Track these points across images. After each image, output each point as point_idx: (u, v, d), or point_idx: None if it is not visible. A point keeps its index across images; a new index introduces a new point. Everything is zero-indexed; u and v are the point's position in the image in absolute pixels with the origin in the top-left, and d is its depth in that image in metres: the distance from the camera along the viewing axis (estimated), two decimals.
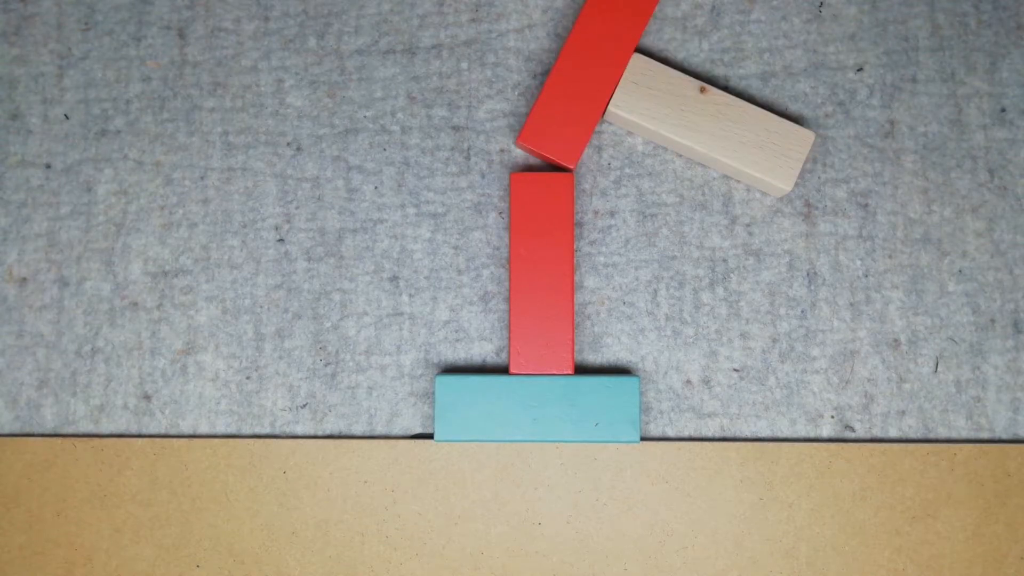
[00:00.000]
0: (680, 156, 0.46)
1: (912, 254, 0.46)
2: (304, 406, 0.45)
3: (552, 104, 0.44)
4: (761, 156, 0.44)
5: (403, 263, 0.46)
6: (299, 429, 0.45)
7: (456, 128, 0.46)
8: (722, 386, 0.45)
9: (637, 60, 0.44)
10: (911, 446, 0.44)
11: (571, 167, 0.44)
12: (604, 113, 0.45)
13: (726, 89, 0.46)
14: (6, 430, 0.45)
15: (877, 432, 0.45)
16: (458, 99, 0.46)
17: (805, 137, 0.44)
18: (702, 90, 0.44)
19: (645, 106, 0.44)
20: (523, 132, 0.44)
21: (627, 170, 0.46)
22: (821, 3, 0.47)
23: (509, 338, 0.43)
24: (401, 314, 0.45)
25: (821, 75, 0.46)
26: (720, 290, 0.45)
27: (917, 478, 0.44)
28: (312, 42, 0.47)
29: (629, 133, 0.46)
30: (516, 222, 0.44)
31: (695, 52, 0.46)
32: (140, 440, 0.45)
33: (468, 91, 0.46)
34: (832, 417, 0.45)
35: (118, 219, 0.46)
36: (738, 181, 0.46)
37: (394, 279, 0.46)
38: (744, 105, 0.44)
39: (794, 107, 0.46)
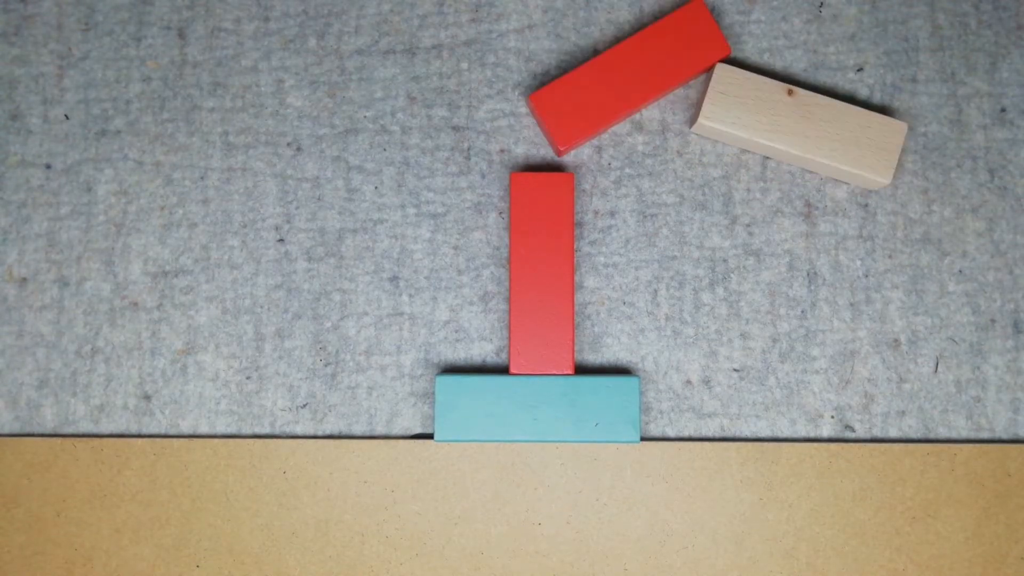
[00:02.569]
0: (680, 155, 0.46)
1: (912, 254, 0.46)
2: (304, 406, 0.45)
3: (581, 84, 0.44)
4: (857, 152, 0.44)
5: (403, 263, 0.46)
6: (299, 429, 0.45)
7: (456, 128, 0.46)
8: (722, 386, 0.45)
9: (722, 70, 0.44)
10: (911, 446, 0.44)
11: (561, 149, 0.44)
12: (616, 121, 0.45)
13: (808, 87, 0.46)
14: (6, 430, 0.45)
15: (877, 432, 0.45)
16: (458, 99, 0.46)
17: (898, 128, 0.44)
18: (790, 92, 0.44)
19: (735, 115, 0.44)
20: (539, 92, 0.44)
21: (627, 170, 0.46)
22: (821, 3, 0.47)
23: (509, 338, 0.43)
24: (401, 314, 0.45)
25: (821, 75, 0.46)
26: (720, 290, 0.45)
27: (917, 478, 0.44)
28: (312, 42, 0.47)
29: (629, 133, 0.46)
30: (516, 222, 0.44)
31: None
32: (140, 440, 0.45)
33: (468, 91, 0.46)
34: (832, 417, 0.45)
35: (118, 219, 0.46)
36: (839, 181, 0.45)
37: (394, 279, 0.46)
38: (832, 103, 0.44)
39: None
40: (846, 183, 0.46)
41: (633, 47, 0.44)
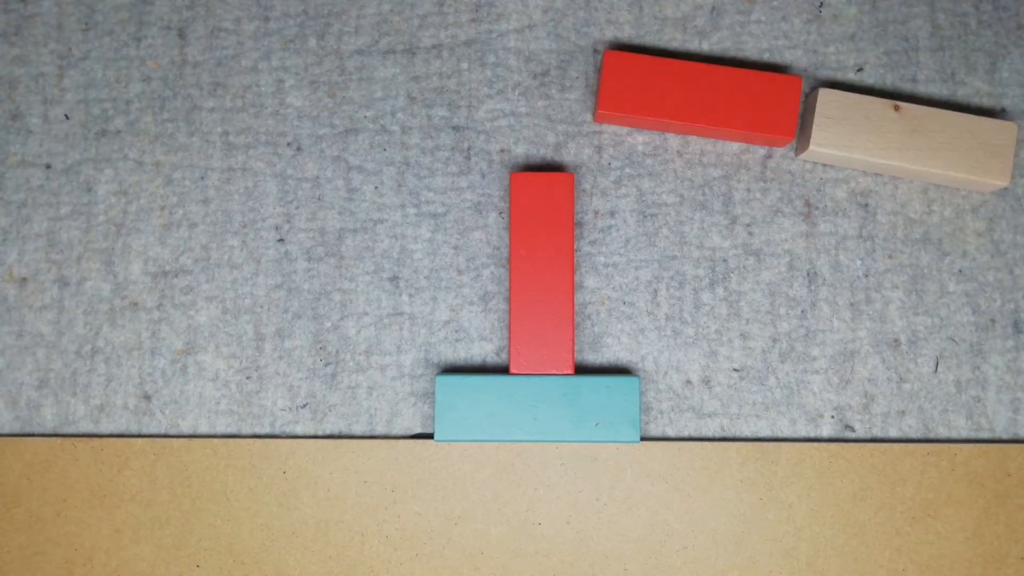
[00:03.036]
0: (680, 155, 0.46)
1: (912, 254, 0.46)
2: (304, 406, 0.45)
3: (656, 71, 0.43)
4: (972, 158, 0.43)
5: (403, 263, 0.46)
6: (299, 429, 0.45)
7: (456, 128, 0.46)
8: (722, 386, 0.45)
9: (825, 95, 0.44)
10: (911, 446, 0.44)
11: (600, 113, 0.44)
12: (659, 123, 0.45)
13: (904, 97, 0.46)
14: (6, 430, 0.45)
15: (877, 432, 0.45)
16: (458, 99, 0.46)
17: (1008, 129, 0.44)
18: (896, 108, 0.43)
19: (846, 138, 0.44)
20: (616, 52, 0.43)
21: (627, 170, 0.46)
22: (821, 3, 0.47)
23: (509, 338, 0.43)
24: (401, 314, 0.45)
25: (821, 75, 0.46)
26: (720, 290, 0.45)
27: (917, 478, 0.44)
28: (312, 42, 0.47)
29: (629, 133, 0.46)
30: (516, 222, 0.44)
31: (695, 52, 0.46)
32: (140, 440, 0.45)
33: (468, 91, 0.46)
34: (832, 417, 0.45)
35: (118, 219, 0.46)
36: (956, 189, 0.45)
37: (394, 279, 0.46)
38: (939, 112, 0.44)
39: None
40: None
41: (716, 75, 0.44)
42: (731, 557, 0.44)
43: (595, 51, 0.47)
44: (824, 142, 0.44)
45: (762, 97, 0.44)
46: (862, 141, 0.44)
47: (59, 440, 0.45)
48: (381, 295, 0.46)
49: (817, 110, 0.44)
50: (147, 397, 0.45)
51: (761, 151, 0.46)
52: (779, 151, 0.46)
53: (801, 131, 0.45)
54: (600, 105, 0.44)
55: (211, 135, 0.46)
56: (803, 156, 0.45)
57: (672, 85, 0.44)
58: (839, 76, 0.46)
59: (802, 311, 0.45)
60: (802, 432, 0.45)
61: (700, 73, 0.44)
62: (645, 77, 0.44)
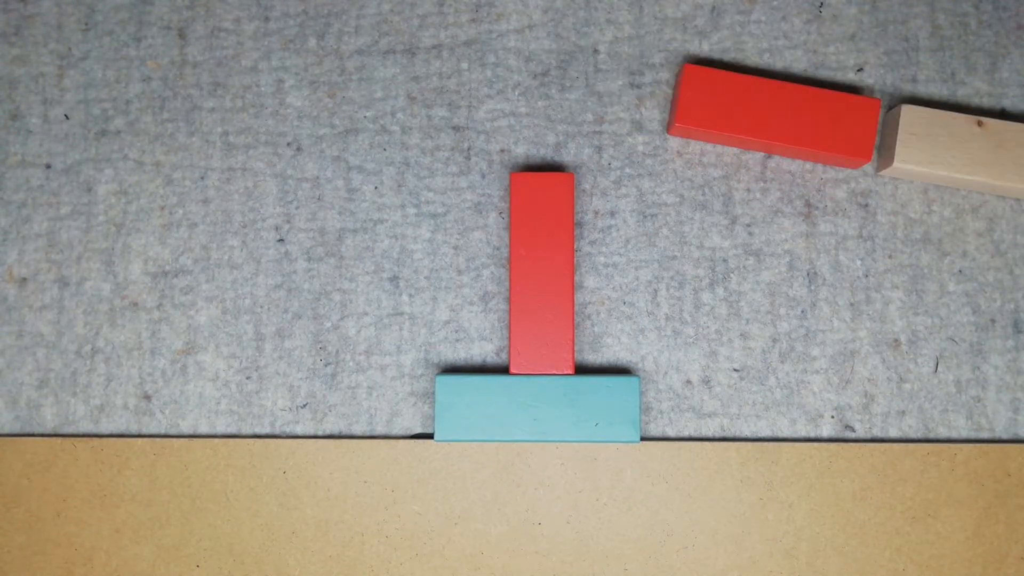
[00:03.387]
0: (680, 156, 0.46)
1: (912, 254, 0.46)
2: (304, 406, 0.45)
3: (735, 87, 0.43)
4: None
5: (403, 263, 0.46)
6: (299, 429, 0.45)
7: (456, 128, 0.46)
8: (722, 386, 0.45)
9: (909, 111, 0.44)
10: (911, 446, 0.44)
11: (676, 126, 0.44)
12: (734, 139, 0.45)
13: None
14: (6, 430, 0.45)
15: (877, 432, 0.45)
16: (458, 99, 0.46)
17: None
18: (979, 124, 0.43)
19: (930, 154, 0.43)
20: (695, 67, 0.43)
21: (627, 170, 0.46)
22: (821, 3, 0.47)
23: (509, 338, 0.43)
24: (401, 314, 0.45)
25: (821, 75, 0.46)
26: (720, 290, 0.45)
27: (917, 478, 0.44)
28: (312, 42, 0.47)
29: (629, 133, 0.46)
30: (516, 222, 0.44)
31: (695, 52, 0.46)
32: (140, 440, 0.45)
33: (468, 91, 0.46)
34: (832, 417, 0.45)
35: (118, 219, 0.46)
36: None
37: (394, 279, 0.46)
38: (1021, 127, 0.44)
39: None
40: (844, 181, 0.46)
41: (793, 93, 0.44)
42: (731, 557, 0.44)
43: (595, 51, 0.47)
44: (908, 159, 0.43)
45: (839, 117, 0.44)
46: (946, 157, 0.43)
47: (59, 440, 0.45)
48: (381, 295, 0.46)
49: (901, 127, 0.43)
50: (147, 397, 0.45)
51: (761, 151, 0.46)
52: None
53: (881, 149, 0.45)
54: (678, 119, 0.44)
55: (211, 135, 0.46)
56: (885, 173, 0.45)
57: (750, 102, 0.44)
58: (839, 76, 0.46)
59: (802, 311, 0.45)
60: (802, 432, 0.45)
61: (778, 91, 0.44)
62: (723, 92, 0.44)
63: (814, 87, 0.44)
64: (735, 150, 0.46)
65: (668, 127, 0.45)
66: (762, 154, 0.46)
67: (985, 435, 0.45)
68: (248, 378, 0.45)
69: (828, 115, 0.44)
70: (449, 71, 0.47)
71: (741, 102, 0.44)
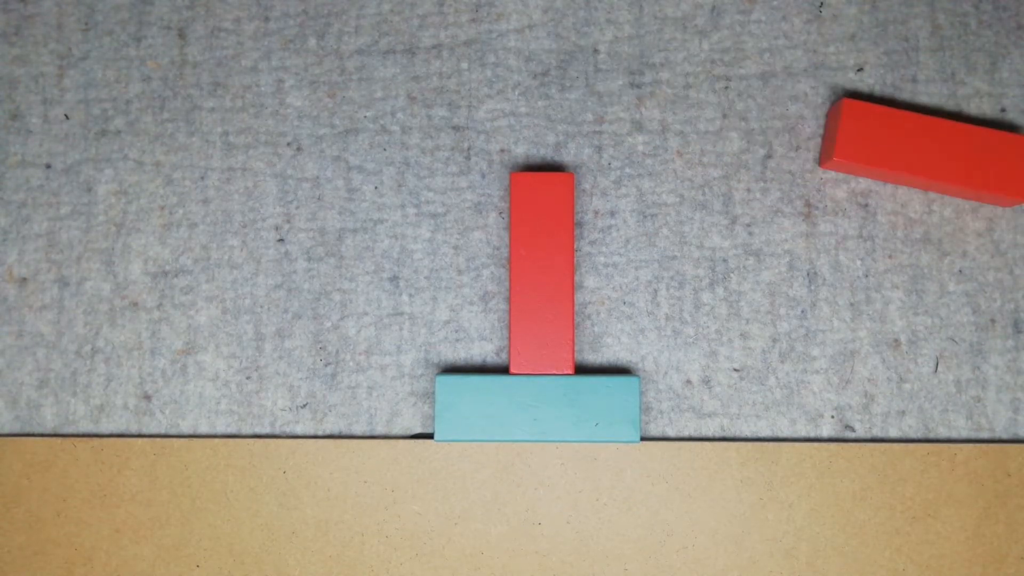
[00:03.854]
0: (680, 155, 0.46)
1: (912, 254, 0.46)
2: (304, 406, 0.45)
3: (894, 123, 0.44)
4: None
5: (403, 263, 0.46)
6: (299, 429, 0.45)
7: (456, 128, 0.46)
8: (722, 386, 0.45)
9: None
10: (911, 446, 0.44)
11: (834, 160, 0.44)
12: (894, 176, 0.45)
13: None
14: (6, 430, 0.45)
15: (877, 432, 0.45)
16: (458, 99, 0.46)
17: None
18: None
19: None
20: (854, 101, 0.44)
21: (627, 170, 0.46)
22: (821, 3, 0.47)
23: (509, 338, 0.43)
24: (401, 314, 0.45)
25: (821, 75, 0.46)
26: (720, 290, 0.45)
27: (917, 478, 0.44)
28: (312, 42, 0.47)
29: (629, 133, 0.46)
30: (516, 222, 0.44)
31: (695, 52, 0.46)
32: (140, 440, 0.45)
33: (468, 91, 0.46)
34: (832, 417, 0.45)
35: (118, 219, 0.46)
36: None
37: (394, 279, 0.46)
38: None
39: (794, 107, 0.46)
40: (847, 183, 0.46)
41: (950, 131, 0.44)
42: (731, 557, 0.44)
43: (595, 51, 0.47)
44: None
45: (996, 156, 0.44)
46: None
47: (59, 440, 0.45)
48: (381, 295, 0.46)
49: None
50: (147, 397, 0.45)
51: (761, 151, 0.46)
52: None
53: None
54: (836, 153, 0.44)
55: (211, 135, 0.46)
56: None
57: (908, 138, 0.44)
58: (839, 76, 0.46)
59: (802, 311, 0.45)
60: (802, 432, 0.45)
61: (934, 128, 0.44)
62: (882, 128, 0.44)
63: (966, 124, 0.44)
64: (735, 149, 0.46)
65: (821, 161, 0.45)
66: (762, 153, 0.46)
67: (985, 435, 0.45)
68: (248, 378, 0.45)
69: (985, 153, 0.44)
70: (449, 71, 0.47)
71: (899, 138, 0.44)
